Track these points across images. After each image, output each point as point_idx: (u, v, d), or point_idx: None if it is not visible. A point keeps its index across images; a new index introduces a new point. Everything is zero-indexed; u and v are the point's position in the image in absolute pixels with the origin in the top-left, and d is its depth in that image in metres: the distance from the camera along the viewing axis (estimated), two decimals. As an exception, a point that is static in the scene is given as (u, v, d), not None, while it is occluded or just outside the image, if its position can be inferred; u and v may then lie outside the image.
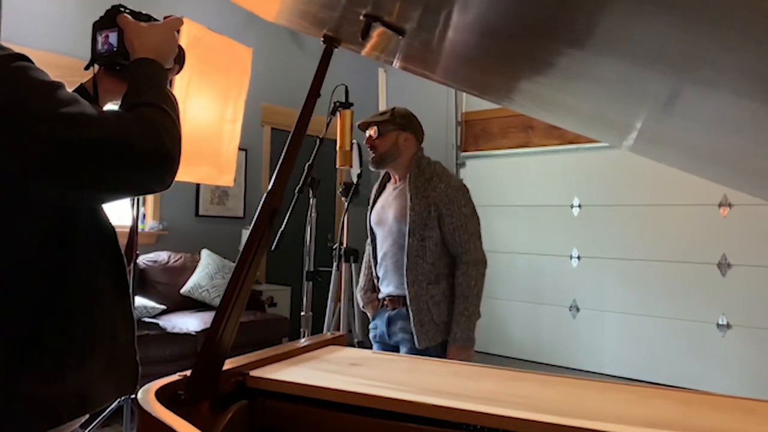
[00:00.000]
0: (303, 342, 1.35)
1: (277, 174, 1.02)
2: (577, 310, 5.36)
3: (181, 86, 2.74)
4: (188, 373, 1.23)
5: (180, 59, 1.26)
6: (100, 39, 1.14)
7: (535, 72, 1.22)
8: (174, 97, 1.11)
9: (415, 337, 2.21)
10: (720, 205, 4.67)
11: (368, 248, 2.61)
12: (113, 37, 1.12)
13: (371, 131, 2.38)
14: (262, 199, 0.94)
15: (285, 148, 0.99)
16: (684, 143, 1.44)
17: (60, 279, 1.00)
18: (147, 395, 1.09)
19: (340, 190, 2.91)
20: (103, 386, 1.07)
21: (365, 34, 1.06)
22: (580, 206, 5.37)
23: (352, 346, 3.15)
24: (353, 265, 3.23)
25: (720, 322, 4.63)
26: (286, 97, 5.79)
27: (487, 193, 5.74)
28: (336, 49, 1.31)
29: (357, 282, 2.70)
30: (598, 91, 1.23)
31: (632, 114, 1.33)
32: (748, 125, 1.11)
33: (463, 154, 6.21)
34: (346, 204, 3.23)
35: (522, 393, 1.21)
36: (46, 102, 0.91)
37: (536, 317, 5.52)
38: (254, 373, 1.28)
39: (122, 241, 1.20)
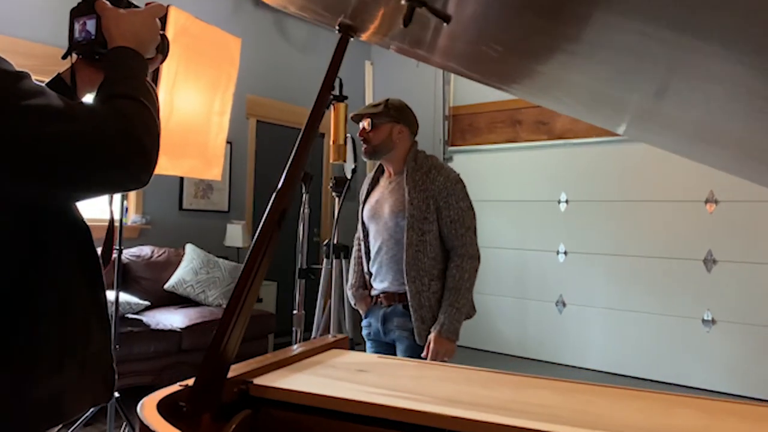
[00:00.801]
0: (305, 346, 1.29)
1: (287, 172, 0.95)
2: (564, 305, 5.37)
3: (168, 77, 2.64)
4: (190, 382, 1.16)
5: (163, 48, 1.19)
6: (77, 26, 1.08)
7: (548, 47, 1.16)
8: (154, 88, 1.04)
9: (415, 333, 2.16)
10: (706, 201, 4.70)
11: (357, 244, 2.55)
12: (91, 25, 1.05)
13: (364, 123, 2.32)
14: (271, 200, 0.87)
15: (295, 146, 0.92)
16: (687, 122, 1.40)
17: (27, 282, 0.94)
18: (148, 408, 1.02)
19: (331, 184, 2.84)
20: (77, 395, 1.01)
21: (408, 21, 0.98)
22: (567, 202, 5.37)
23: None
24: (344, 261, 3.17)
25: (705, 318, 4.67)
26: (272, 88, 5.69)
27: (474, 187, 5.66)
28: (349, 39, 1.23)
29: (347, 279, 2.64)
30: (611, 62, 1.18)
31: (636, 90, 1.29)
32: (758, 101, 1.08)
33: (451, 148, 6.17)
34: (337, 199, 3.18)
35: (540, 402, 1.16)
36: (7, 94, 0.85)
37: (523, 312, 5.52)
38: (258, 381, 1.22)
39: (103, 237, 1.14)
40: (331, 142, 2.25)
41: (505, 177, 5.69)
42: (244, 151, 5.44)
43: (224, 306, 4.37)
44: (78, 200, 1.02)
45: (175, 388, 1.16)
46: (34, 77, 0.92)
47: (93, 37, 1.05)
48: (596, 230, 5.20)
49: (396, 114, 2.31)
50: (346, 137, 2.26)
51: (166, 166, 2.67)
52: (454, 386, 1.23)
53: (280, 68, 5.80)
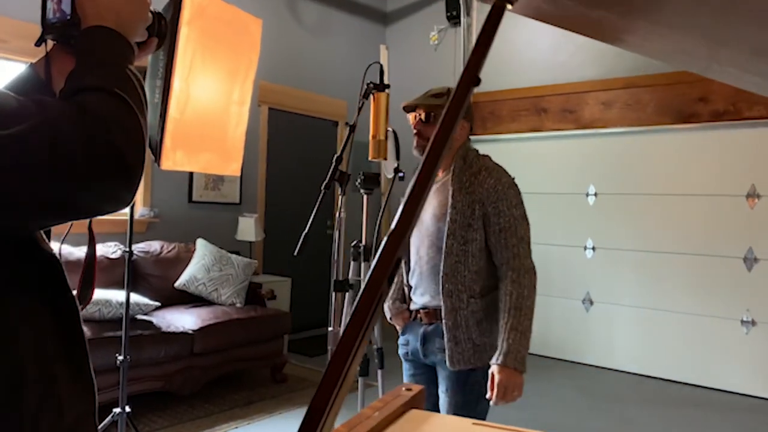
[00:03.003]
0: (381, 409, 1.03)
1: (404, 207, 0.63)
2: (591, 303, 5.13)
3: (183, 64, 2.36)
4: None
5: (158, 30, 0.95)
6: (50, 5, 0.84)
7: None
8: (138, 78, 0.80)
9: (447, 357, 1.90)
10: (748, 195, 4.44)
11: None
12: (66, 2, 0.83)
13: (419, 114, 2.02)
14: (383, 245, 0.59)
15: (419, 169, 0.62)
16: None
17: None
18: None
19: (359, 181, 2.58)
20: None
21: None
22: (595, 194, 5.11)
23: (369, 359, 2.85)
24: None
25: (744, 319, 4.43)
26: (284, 74, 5.41)
27: (495, 178, 5.44)
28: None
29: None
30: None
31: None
32: None
33: (470, 137, 5.90)
34: (366, 197, 2.93)
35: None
36: None
37: (547, 310, 5.29)
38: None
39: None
40: (371, 137, 2.00)
41: (529, 168, 5.42)
42: (256, 141, 5.18)
43: (238, 305, 4.14)
44: (36, 230, 0.79)
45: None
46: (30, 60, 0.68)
47: (69, 18, 0.82)
48: (626, 225, 4.95)
49: None
50: (387, 131, 2.00)
51: (181, 161, 2.40)
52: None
53: (293, 52, 5.52)
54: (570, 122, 5.26)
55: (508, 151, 5.61)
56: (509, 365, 1.81)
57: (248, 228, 4.78)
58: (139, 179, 0.75)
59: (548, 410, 3.96)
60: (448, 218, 1.95)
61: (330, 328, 1.90)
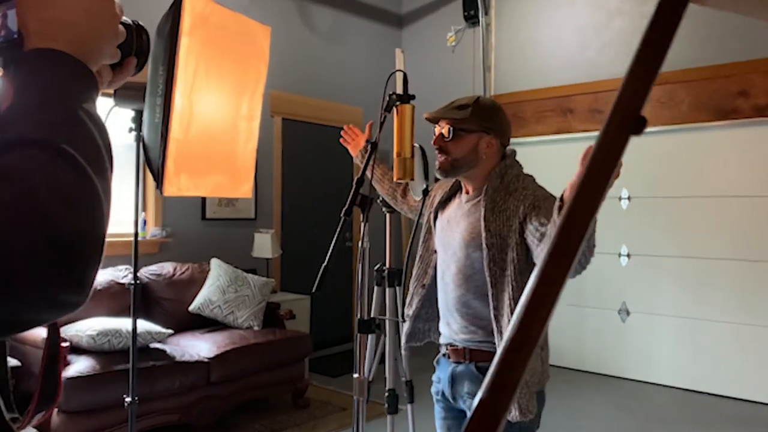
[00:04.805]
0: None
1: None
2: (627, 313, 4.84)
3: (185, 78, 2.17)
4: None
5: (137, 48, 0.73)
6: None
7: None
8: (99, 121, 0.58)
9: (515, 407, 1.64)
10: (797, 196, 4.13)
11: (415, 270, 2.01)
12: (12, 18, 0.61)
13: (443, 128, 1.79)
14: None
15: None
16: None
17: None
18: None
19: (380, 199, 2.35)
20: None
21: None
22: (629, 198, 4.83)
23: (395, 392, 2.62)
24: (397, 289, 2.70)
25: (797, 329, 4.12)
26: (297, 83, 5.21)
27: (520, 184, 5.18)
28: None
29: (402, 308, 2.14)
30: None
31: None
32: None
33: (514, 152, 5.64)
34: (388, 216, 2.69)
35: None
36: None
37: (581, 321, 5.00)
38: None
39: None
40: (395, 155, 1.77)
41: (556, 172, 5.08)
42: (270, 153, 4.97)
43: (255, 328, 3.93)
44: None
45: None
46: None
47: (15, 36, 0.60)
48: (663, 230, 4.66)
49: (487, 120, 1.78)
50: (413, 148, 1.77)
51: (186, 186, 2.19)
52: None
53: (305, 60, 5.31)
54: (599, 122, 4.97)
55: (532, 154, 5.32)
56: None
57: (264, 244, 4.58)
58: (95, 272, 0.52)
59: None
60: (484, 243, 1.71)
61: (356, 375, 1.67)
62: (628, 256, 4.85)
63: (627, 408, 4.17)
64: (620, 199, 4.89)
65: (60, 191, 0.50)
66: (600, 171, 0.35)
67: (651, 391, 4.56)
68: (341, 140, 2.37)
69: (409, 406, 2.67)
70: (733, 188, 4.36)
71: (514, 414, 1.61)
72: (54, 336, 0.75)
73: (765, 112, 4.19)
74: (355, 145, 2.31)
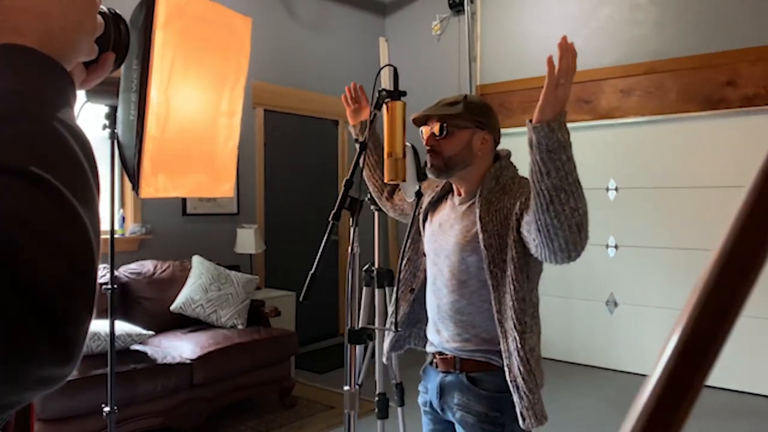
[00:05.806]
0: None
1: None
2: (615, 305, 4.82)
3: (161, 72, 2.06)
4: None
5: (116, 42, 0.63)
6: None
7: None
8: (78, 131, 0.47)
9: (520, 416, 1.56)
10: (785, 186, 4.11)
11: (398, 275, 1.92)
12: None
13: (432, 127, 1.72)
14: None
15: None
16: None
17: None
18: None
19: (369, 196, 2.27)
20: None
21: None
22: (616, 189, 4.79)
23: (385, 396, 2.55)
24: (387, 290, 2.62)
25: (785, 319, 4.12)
26: (280, 74, 5.08)
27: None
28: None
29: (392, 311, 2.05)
30: None
31: None
32: None
33: (507, 152, 5.56)
34: (376, 215, 2.61)
35: None
36: None
37: (569, 313, 4.98)
38: None
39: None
40: (386, 155, 1.67)
41: (544, 163, 5.08)
42: (252, 145, 4.85)
43: (239, 327, 3.83)
44: None
45: None
46: None
47: None
48: (652, 221, 4.63)
49: (479, 116, 1.71)
50: (405, 147, 1.68)
51: (164, 186, 2.09)
52: None
53: (288, 50, 5.18)
54: (586, 113, 4.92)
55: (520, 145, 5.26)
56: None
57: (248, 240, 4.47)
58: (85, 332, 0.42)
59: (576, 427, 3.66)
60: (482, 244, 1.63)
61: (346, 387, 1.59)
62: (616, 247, 4.82)
63: (616, 400, 4.16)
64: (608, 189, 4.85)
65: (35, 231, 0.39)
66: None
67: (639, 381, 4.54)
68: (342, 97, 2.15)
69: (399, 410, 2.61)
70: (722, 179, 4.34)
71: (529, 422, 1.54)
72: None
73: (753, 101, 4.15)
74: (354, 111, 2.11)
